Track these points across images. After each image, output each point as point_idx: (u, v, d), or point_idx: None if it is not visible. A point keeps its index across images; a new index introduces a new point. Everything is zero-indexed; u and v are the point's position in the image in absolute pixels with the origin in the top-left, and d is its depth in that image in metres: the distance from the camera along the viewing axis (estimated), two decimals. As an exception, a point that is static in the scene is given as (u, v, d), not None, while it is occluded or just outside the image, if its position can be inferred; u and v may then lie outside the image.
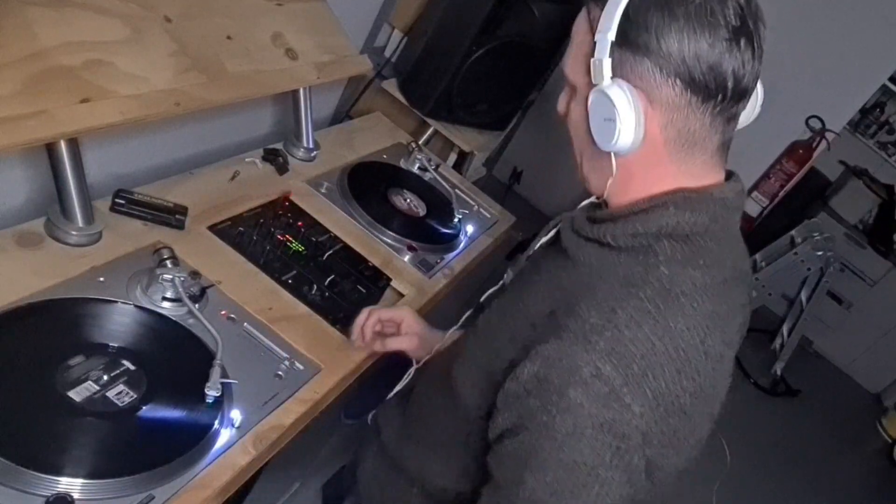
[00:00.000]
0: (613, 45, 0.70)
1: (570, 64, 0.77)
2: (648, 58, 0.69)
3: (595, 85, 0.72)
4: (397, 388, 1.15)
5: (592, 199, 0.85)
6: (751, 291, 0.86)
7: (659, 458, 0.73)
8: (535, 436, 0.70)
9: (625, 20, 0.69)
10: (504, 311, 0.87)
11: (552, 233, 0.89)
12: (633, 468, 0.70)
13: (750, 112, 0.79)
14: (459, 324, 1.10)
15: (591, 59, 0.72)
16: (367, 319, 1.17)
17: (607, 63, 0.71)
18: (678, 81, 0.69)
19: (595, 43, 0.71)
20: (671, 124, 0.72)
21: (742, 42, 0.69)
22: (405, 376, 1.15)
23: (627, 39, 0.70)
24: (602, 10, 0.71)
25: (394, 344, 1.17)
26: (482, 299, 1.02)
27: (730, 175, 0.81)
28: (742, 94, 0.72)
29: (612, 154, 0.74)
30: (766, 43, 0.72)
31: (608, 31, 0.70)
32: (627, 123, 0.70)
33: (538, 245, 0.92)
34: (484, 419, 0.81)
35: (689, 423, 0.75)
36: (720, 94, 0.70)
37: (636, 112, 0.70)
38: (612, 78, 0.71)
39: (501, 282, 1.01)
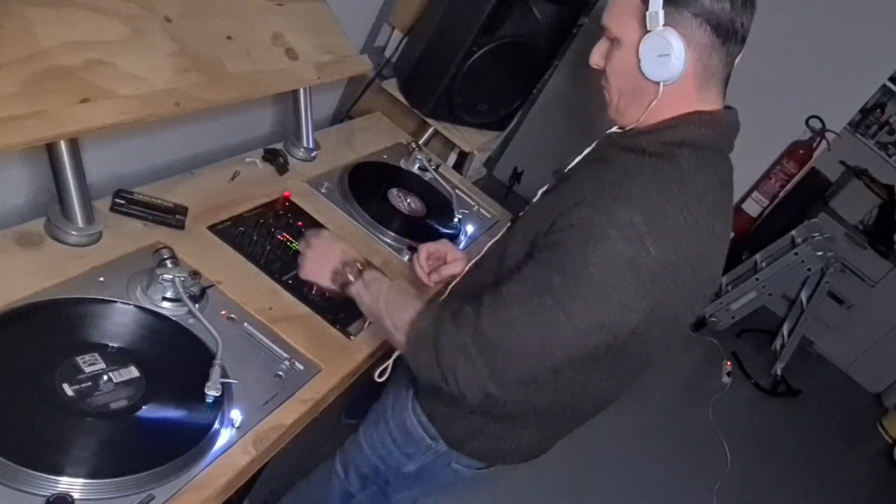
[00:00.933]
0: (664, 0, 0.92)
1: (616, 20, 0.97)
2: (687, 9, 0.91)
3: (648, 31, 0.93)
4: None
5: (616, 129, 1.06)
6: (732, 190, 1.07)
7: (664, 298, 0.93)
8: (568, 253, 0.91)
9: None
10: (548, 201, 1.06)
11: (588, 150, 1.11)
12: (634, 301, 0.91)
13: (739, 57, 1.02)
14: (498, 236, 1.22)
15: (647, 12, 0.92)
16: (420, 259, 1.36)
17: (661, 13, 0.92)
18: (708, 27, 0.92)
19: (647, 0, 0.93)
20: (699, 61, 0.94)
21: (748, 3, 0.94)
22: (447, 290, 1.27)
23: None
24: None
25: (448, 270, 1.33)
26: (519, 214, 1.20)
27: (728, 107, 1.04)
28: (743, 40, 0.96)
29: (661, 83, 0.95)
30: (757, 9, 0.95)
31: None
32: (679, 56, 0.92)
33: (575, 161, 1.11)
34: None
35: (696, 276, 0.96)
36: (734, 37, 0.94)
37: (684, 48, 0.92)
38: (663, 25, 0.92)
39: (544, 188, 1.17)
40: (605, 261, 0.89)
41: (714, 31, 0.92)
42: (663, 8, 0.92)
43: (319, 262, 1.18)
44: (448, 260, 1.35)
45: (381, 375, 1.18)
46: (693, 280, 0.96)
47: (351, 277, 1.13)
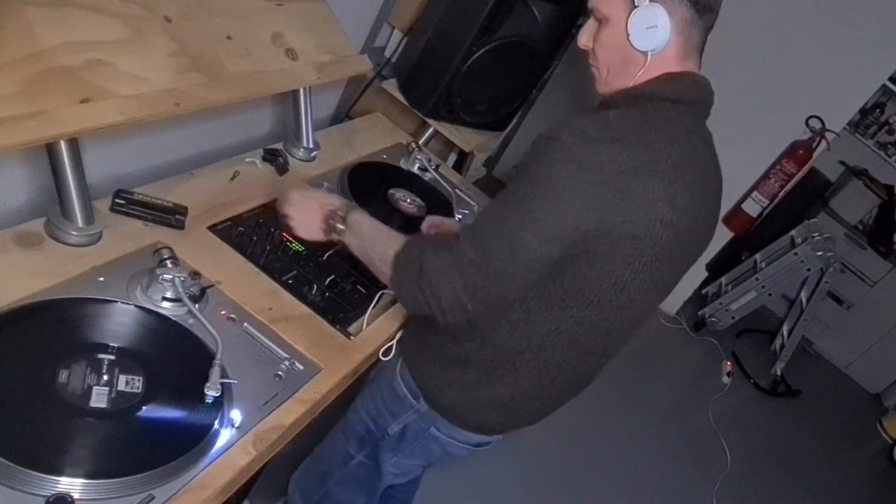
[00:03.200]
0: None
1: (604, 2, 1.07)
2: None
3: (636, 7, 1.03)
4: None
5: None
6: (717, 161, 1.14)
7: (616, 209, 0.97)
8: (531, 165, 0.99)
9: None
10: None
11: None
12: (587, 202, 0.96)
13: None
14: None
15: None
16: (427, 231, 1.45)
17: None
18: (688, 2, 1.03)
19: None
20: (681, 34, 1.05)
21: None
22: None
23: None
24: None
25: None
26: None
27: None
28: (716, 13, 1.08)
29: (650, 53, 1.04)
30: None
31: None
32: (665, 27, 1.02)
33: None
34: None
35: (648, 194, 0.99)
36: (709, 11, 1.06)
37: (669, 19, 1.02)
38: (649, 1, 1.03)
39: None
40: (560, 163, 0.97)
41: (693, 6, 1.04)
42: None
43: (307, 220, 1.24)
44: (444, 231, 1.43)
45: (385, 354, 1.28)
46: (643, 197, 0.99)
47: (340, 226, 1.19)
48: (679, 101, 1.06)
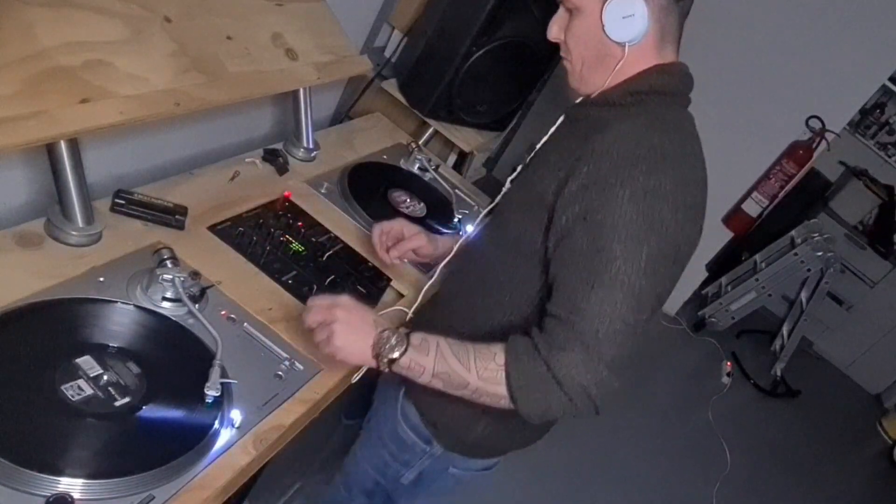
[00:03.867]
0: None
1: None
2: None
3: None
4: (426, 287, 1.32)
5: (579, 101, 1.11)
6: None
7: (687, 229, 0.96)
8: (601, 213, 0.92)
9: None
10: (534, 170, 1.09)
11: (560, 121, 1.14)
12: (671, 221, 0.93)
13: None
14: (480, 218, 1.28)
15: None
16: (375, 238, 1.36)
17: None
18: None
19: None
20: (658, 21, 1.00)
21: None
22: (435, 273, 1.29)
23: None
24: None
25: (408, 245, 1.34)
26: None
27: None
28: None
29: (627, 44, 0.99)
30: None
31: None
32: (642, 16, 0.97)
33: (548, 135, 1.14)
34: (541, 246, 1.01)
35: (697, 212, 0.99)
36: None
37: (645, 7, 0.97)
38: None
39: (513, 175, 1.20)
40: (636, 197, 0.91)
41: None
42: None
43: (354, 336, 1.00)
44: (405, 235, 1.35)
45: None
46: (699, 204, 1.00)
47: (398, 348, 0.98)
48: (675, 95, 1.04)
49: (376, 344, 0.99)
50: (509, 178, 1.19)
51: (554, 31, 1.07)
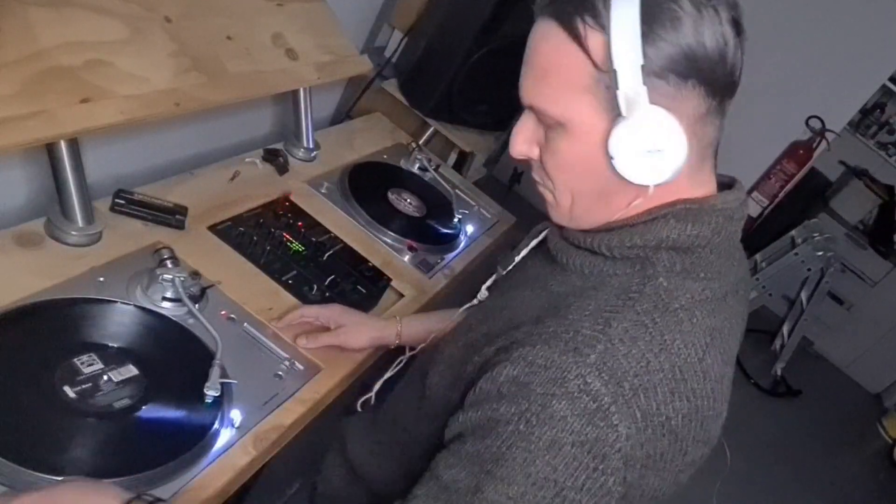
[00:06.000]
0: (643, 68, 0.63)
1: (555, 99, 0.70)
2: (674, 71, 0.64)
3: (621, 116, 0.65)
4: (385, 375, 1.13)
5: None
6: (749, 296, 0.84)
7: (639, 481, 0.69)
8: (506, 443, 0.65)
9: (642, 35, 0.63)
10: (487, 315, 0.83)
11: (536, 241, 0.88)
12: (605, 492, 0.65)
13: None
14: (457, 315, 1.06)
15: (618, 91, 0.65)
16: (291, 318, 1.15)
17: (644, 90, 0.64)
18: (702, 88, 0.66)
19: (614, 71, 0.64)
20: (693, 135, 0.67)
21: (740, 30, 0.66)
22: (394, 364, 1.13)
23: (647, 56, 0.63)
24: (606, 30, 0.64)
25: (327, 340, 1.14)
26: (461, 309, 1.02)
27: (732, 182, 0.78)
28: (737, 85, 0.69)
29: (651, 186, 0.68)
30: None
31: (629, 53, 0.63)
32: (677, 148, 0.65)
33: (521, 255, 0.90)
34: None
35: (679, 445, 0.71)
36: (730, 90, 0.68)
37: (684, 135, 0.65)
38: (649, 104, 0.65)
39: (477, 300, 0.97)
40: (551, 455, 0.64)
41: (709, 92, 0.66)
42: (642, 77, 0.63)
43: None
44: (336, 325, 1.16)
45: (364, 406, 1.11)
46: (675, 450, 0.71)
47: None
48: (704, 248, 0.72)
49: None
50: (484, 286, 0.96)
51: (519, 147, 0.77)
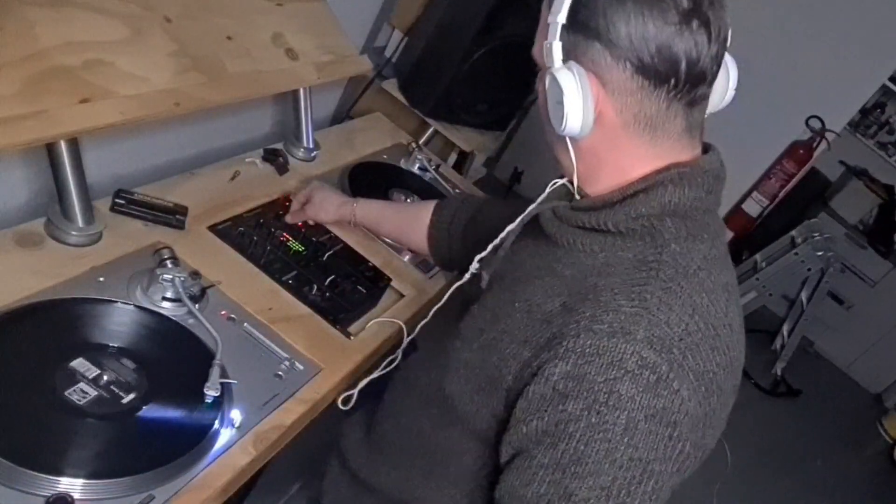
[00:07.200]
0: (564, 27, 0.71)
1: (536, 46, 0.77)
2: (598, 41, 0.70)
3: (549, 68, 0.73)
4: (375, 374, 1.14)
5: (558, 182, 0.86)
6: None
7: (702, 440, 0.73)
8: (583, 440, 0.67)
9: (576, 3, 0.71)
10: (497, 313, 0.82)
11: (514, 226, 0.89)
12: (685, 456, 0.70)
13: (721, 95, 0.81)
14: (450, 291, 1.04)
15: (544, 42, 0.73)
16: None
17: (557, 46, 0.72)
18: (628, 65, 0.69)
19: (548, 24, 0.73)
20: (626, 108, 0.72)
21: (694, 24, 0.69)
22: (381, 366, 1.14)
23: (578, 22, 0.71)
24: None
25: (297, 216, 1.39)
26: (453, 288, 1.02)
27: (707, 147, 0.81)
28: (699, 78, 0.71)
29: (567, 138, 0.75)
30: (729, 25, 0.74)
31: (558, 13, 0.71)
32: (575, 107, 0.71)
33: (510, 241, 0.91)
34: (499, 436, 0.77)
35: (724, 399, 0.76)
36: (672, 78, 0.70)
37: (584, 96, 0.71)
38: (564, 61, 0.72)
39: (469, 274, 0.97)
40: (629, 436, 0.66)
41: (637, 71, 0.69)
42: (570, 36, 0.71)
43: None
44: (307, 200, 1.40)
45: (345, 403, 1.10)
46: (721, 404, 0.76)
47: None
48: (699, 210, 0.76)
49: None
50: (477, 258, 0.95)
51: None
